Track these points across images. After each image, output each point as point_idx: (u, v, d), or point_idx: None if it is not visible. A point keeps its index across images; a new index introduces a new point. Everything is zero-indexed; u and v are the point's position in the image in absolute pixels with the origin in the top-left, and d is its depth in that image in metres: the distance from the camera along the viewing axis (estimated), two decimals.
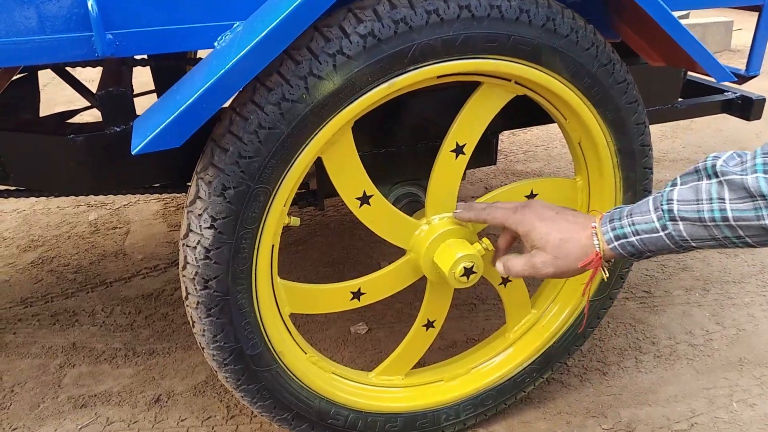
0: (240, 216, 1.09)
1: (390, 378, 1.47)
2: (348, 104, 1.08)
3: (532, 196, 1.40)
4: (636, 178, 1.40)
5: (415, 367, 1.51)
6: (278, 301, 1.26)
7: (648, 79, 1.60)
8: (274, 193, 1.10)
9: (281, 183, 1.10)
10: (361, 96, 1.08)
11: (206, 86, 0.95)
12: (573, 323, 1.55)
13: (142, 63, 1.54)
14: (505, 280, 1.48)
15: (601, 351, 1.87)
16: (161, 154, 1.13)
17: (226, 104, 1.02)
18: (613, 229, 0.99)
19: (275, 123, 1.04)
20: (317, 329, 2.00)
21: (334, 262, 2.34)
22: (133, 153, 0.95)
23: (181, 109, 0.95)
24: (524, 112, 1.50)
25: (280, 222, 1.18)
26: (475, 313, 2.06)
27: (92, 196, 3.13)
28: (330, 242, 2.48)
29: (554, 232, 1.04)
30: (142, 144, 0.95)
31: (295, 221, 1.23)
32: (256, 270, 1.16)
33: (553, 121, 1.56)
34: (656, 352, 1.87)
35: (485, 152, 1.52)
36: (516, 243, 1.20)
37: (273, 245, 1.20)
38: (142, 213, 2.89)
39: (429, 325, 1.45)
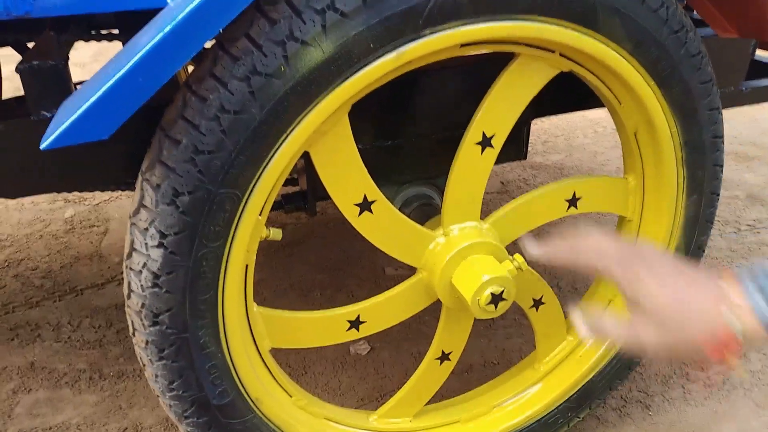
0: (199, 230, 0.82)
1: (396, 421, 1.21)
2: (343, 81, 0.80)
3: (574, 199, 1.12)
4: (704, 177, 1.12)
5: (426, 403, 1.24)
6: (255, 334, 0.99)
7: (712, 55, 1.31)
8: (245, 200, 0.83)
9: (254, 186, 0.83)
10: (360, 70, 0.80)
11: (143, 52, 0.68)
12: (616, 354, 1.27)
13: (94, 35, 1.27)
14: (537, 303, 1.21)
15: (642, 379, 1.60)
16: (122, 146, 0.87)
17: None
18: (762, 290, 0.68)
19: (244, 105, 0.77)
20: (309, 350, 1.73)
21: (333, 267, 2.08)
22: (41, 148, 0.68)
23: (108, 86, 0.67)
24: (561, 94, 1.22)
25: (256, 236, 0.91)
26: (493, 330, 1.79)
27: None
28: (328, 244, 2.21)
29: (669, 291, 0.75)
30: (52, 137, 0.67)
31: (276, 234, 0.95)
32: (223, 299, 0.89)
33: (597, 106, 1.28)
34: (706, 380, 1.59)
35: (514, 144, 1.24)
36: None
37: (247, 266, 0.93)
38: (123, 210, 2.62)
39: (444, 357, 1.18)
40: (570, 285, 1.96)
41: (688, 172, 1.10)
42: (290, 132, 0.81)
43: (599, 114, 3.48)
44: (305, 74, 0.78)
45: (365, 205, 0.96)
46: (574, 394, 1.29)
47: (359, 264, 2.08)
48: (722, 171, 1.14)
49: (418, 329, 1.77)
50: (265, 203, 0.88)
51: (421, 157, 1.19)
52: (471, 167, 1.00)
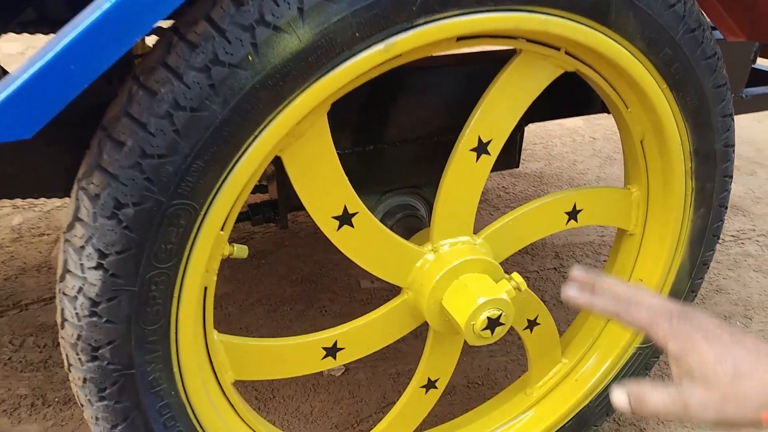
0: (146, 249, 0.68)
1: None
2: (322, 75, 0.68)
3: (574, 211, 1.02)
4: (713, 189, 1.03)
5: None
6: (216, 366, 0.86)
7: None
8: (203, 213, 0.70)
9: (215, 197, 0.70)
10: (342, 62, 0.68)
11: (76, 33, 0.54)
12: (616, 377, 1.18)
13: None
14: (531, 324, 1.10)
15: None
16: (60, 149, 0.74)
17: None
18: None
19: (203, 101, 0.64)
20: None
21: (304, 279, 1.94)
22: None
23: (30, 74, 0.54)
24: (558, 98, 1.13)
25: (217, 254, 0.78)
26: (476, 349, 1.68)
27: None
28: (300, 255, 2.07)
29: (728, 361, 0.68)
30: None
31: (241, 252, 0.82)
32: (176, 328, 0.76)
33: (595, 111, 1.19)
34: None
35: (506, 151, 1.12)
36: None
37: (206, 288, 0.80)
38: None
39: (430, 385, 1.06)
40: (554, 298, 1.87)
41: (696, 183, 1.01)
42: (259, 133, 0.68)
43: (576, 122, 3.43)
44: (278, 65, 0.65)
45: (345, 218, 0.84)
46: (569, 422, 1.19)
47: (332, 276, 1.95)
48: (731, 182, 1.05)
49: (396, 348, 1.65)
50: (227, 216, 0.75)
51: (404, 164, 1.07)
52: (465, 176, 0.89)
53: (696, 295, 1.17)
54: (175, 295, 0.74)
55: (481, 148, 0.88)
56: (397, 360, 1.60)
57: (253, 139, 0.68)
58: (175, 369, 0.78)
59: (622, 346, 1.16)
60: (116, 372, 0.74)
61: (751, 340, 0.69)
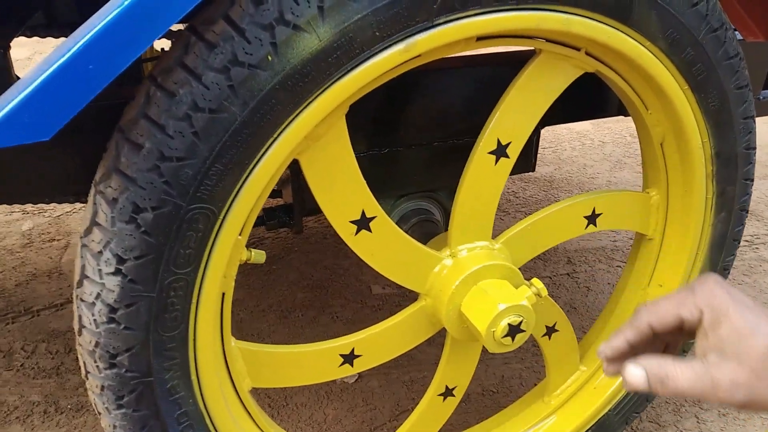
0: (165, 254, 0.67)
1: None
2: (342, 75, 0.67)
3: (594, 215, 1.01)
4: (734, 193, 1.02)
5: None
6: (233, 373, 0.84)
7: None
8: (221, 217, 0.69)
9: (233, 201, 0.69)
10: (362, 62, 0.67)
11: (95, 32, 0.53)
12: None
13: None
14: (550, 331, 1.08)
15: (652, 407, 1.48)
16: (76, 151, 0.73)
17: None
18: None
19: (222, 102, 0.63)
20: None
21: (315, 285, 1.93)
22: None
23: (48, 74, 0.53)
24: (574, 100, 1.11)
25: (235, 259, 0.77)
26: (490, 356, 1.66)
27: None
28: (310, 260, 2.06)
29: (761, 334, 0.59)
30: None
31: (259, 257, 0.81)
32: (195, 335, 0.75)
33: (611, 114, 1.18)
34: (721, 408, 1.48)
35: (522, 154, 1.11)
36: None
37: (223, 294, 0.79)
38: None
39: (447, 393, 1.04)
40: (568, 305, 1.85)
41: (717, 187, 1.00)
42: (278, 136, 0.67)
43: (585, 126, 3.41)
44: (297, 66, 0.64)
45: (363, 223, 0.83)
46: (588, 430, 1.16)
47: (344, 282, 1.94)
48: (752, 185, 1.03)
49: (410, 354, 1.62)
50: (246, 221, 0.73)
51: (419, 168, 1.06)
52: (483, 179, 0.88)
53: None
54: (194, 301, 0.73)
55: (500, 151, 0.87)
56: (411, 367, 1.58)
57: (273, 142, 0.67)
58: (193, 376, 0.77)
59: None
60: (134, 380, 0.73)
61: None
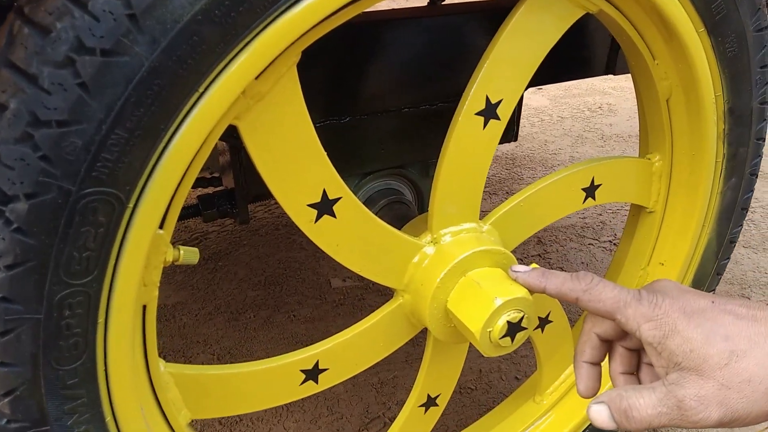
0: (51, 260, 0.48)
1: None
2: (291, 4, 0.49)
3: (593, 187, 0.86)
4: (746, 155, 0.89)
5: None
6: (165, 406, 0.66)
7: None
8: (132, 206, 0.50)
9: (147, 183, 0.50)
10: None
11: None
12: None
13: None
14: (543, 322, 0.94)
15: None
16: None
17: None
18: None
19: (119, 40, 0.44)
20: None
21: (268, 282, 1.74)
22: None
23: None
24: (558, 58, 0.97)
25: (157, 261, 0.58)
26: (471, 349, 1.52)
27: None
28: (261, 254, 1.87)
29: (717, 339, 0.53)
30: None
31: (190, 255, 0.62)
32: (107, 365, 0.56)
33: (597, 73, 1.04)
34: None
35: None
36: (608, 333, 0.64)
37: (145, 306, 0.60)
38: None
39: (430, 403, 0.89)
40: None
41: (729, 149, 0.87)
42: (204, 90, 0.49)
43: (542, 102, 3.32)
44: None
45: (325, 206, 0.65)
46: (587, 429, 1.03)
47: (299, 277, 1.76)
48: (764, 145, 0.91)
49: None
50: (168, 210, 0.55)
51: (387, 140, 0.90)
52: (471, 147, 0.71)
53: (721, 278, 1.04)
54: (101, 320, 0.54)
55: (490, 111, 0.71)
56: (380, 367, 1.42)
57: (198, 99, 0.49)
58: (109, 418, 0.58)
59: None
60: (22, 430, 0.53)
61: (741, 306, 0.54)
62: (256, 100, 0.56)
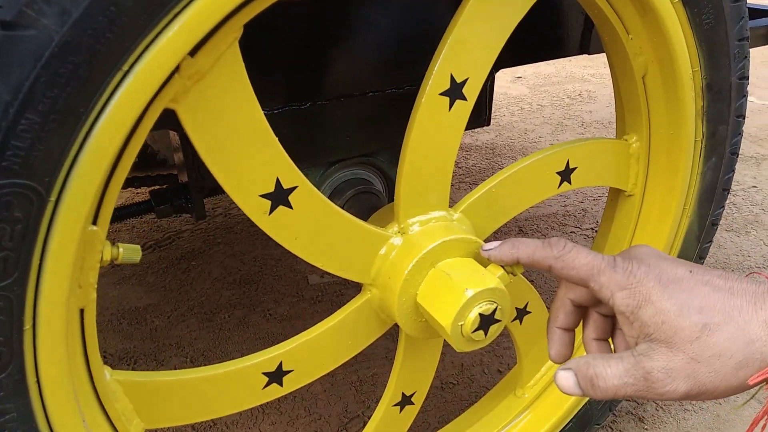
0: None
1: None
2: None
3: (568, 170, 0.83)
4: (726, 133, 0.86)
5: None
6: (113, 417, 0.61)
7: None
8: (54, 199, 0.45)
9: (70, 173, 0.45)
10: None
11: None
12: None
13: None
14: (521, 313, 0.90)
15: None
16: None
17: None
18: None
19: (22, 10, 0.39)
20: None
21: (242, 280, 1.69)
22: None
23: None
24: (530, 38, 0.93)
25: (92, 260, 0.53)
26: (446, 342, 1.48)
27: None
28: (236, 252, 1.82)
29: (692, 310, 0.51)
30: None
31: (131, 253, 0.57)
32: (38, 376, 0.51)
33: (571, 53, 1.00)
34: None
35: (474, 104, 0.92)
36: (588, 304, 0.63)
37: (83, 310, 0.55)
38: None
39: (405, 402, 0.84)
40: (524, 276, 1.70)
41: (708, 126, 0.84)
42: (129, 69, 0.44)
43: (521, 90, 3.29)
44: None
45: (279, 196, 0.61)
46: (569, 423, 1.00)
47: (275, 274, 1.71)
48: (744, 123, 0.88)
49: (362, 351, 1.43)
50: (100, 203, 0.50)
51: (352, 126, 0.85)
52: (436, 130, 0.67)
53: (703, 263, 1.01)
54: (27, 327, 0.49)
55: (455, 91, 0.66)
56: (358, 365, 1.38)
57: (122, 78, 0.44)
58: None
59: None
60: None
61: (719, 277, 0.53)
62: (194, 81, 0.51)
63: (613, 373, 0.52)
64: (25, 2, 0.39)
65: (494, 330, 0.68)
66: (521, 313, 0.90)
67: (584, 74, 3.48)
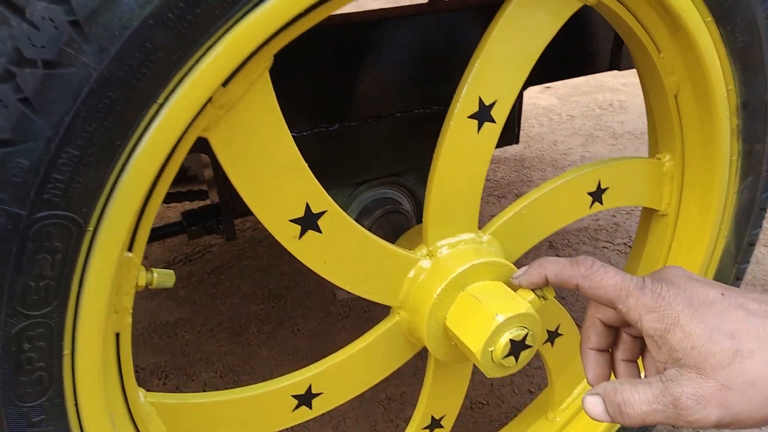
0: (4, 290, 0.44)
1: None
2: (254, 4, 0.45)
3: (599, 191, 0.81)
4: (763, 152, 0.84)
5: None
6: None
7: None
8: (92, 229, 0.46)
9: (107, 204, 0.46)
10: None
11: None
12: None
13: None
14: (553, 336, 0.89)
15: None
16: None
17: None
18: None
19: (62, 49, 0.40)
20: None
21: (271, 295, 1.70)
22: None
23: None
24: (559, 53, 0.92)
25: (128, 286, 0.54)
26: None
27: None
28: (264, 267, 1.83)
29: (723, 335, 0.49)
30: None
31: (165, 279, 0.58)
32: (76, 400, 0.52)
33: (601, 69, 0.99)
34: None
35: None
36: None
37: (118, 334, 0.56)
38: None
39: (435, 425, 0.84)
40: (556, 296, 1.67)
41: (743, 145, 0.81)
42: (164, 101, 0.45)
43: (551, 101, 3.26)
44: None
45: (309, 221, 0.61)
46: None
47: (303, 289, 1.72)
48: None
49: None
50: (135, 231, 0.51)
51: (380, 147, 0.85)
52: (464, 153, 0.67)
53: (740, 284, 0.98)
54: (66, 352, 0.50)
55: (484, 114, 0.66)
56: (387, 382, 1.36)
57: (157, 111, 0.45)
58: None
59: None
60: None
61: (753, 301, 0.51)
62: (225, 110, 0.52)
63: (641, 399, 0.51)
64: (66, 41, 0.40)
65: (525, 356, 0.67)
66: (552, 336, 0.89)
67: (615, 84, 3.43)
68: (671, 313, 0.51)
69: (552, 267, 0.61)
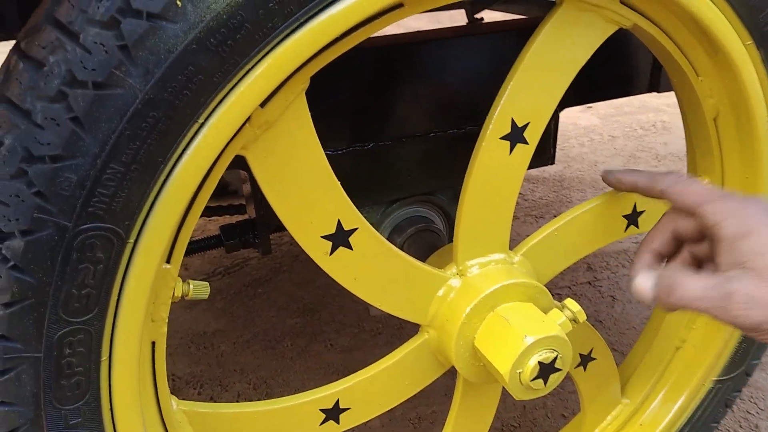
0: (49, 298, 0.47)
1: None
2: (292, 28, 0.47)
3: (635, 214, 0.80)
4: None
5: None
6: None
7: None
8: (133, 241, 0.49)
9: (148, 217, 0.48)
10: (322, 10, 0.47)
11: None
12: (690, 419, 0.94)
13: None
14: (585, 360, 0.87)
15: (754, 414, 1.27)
16: None
17: None
18: None
19: (111, 72, 0.43)
20: None
21: (306, 309, 1.72)
22: None
23: None
24: (596, 75, 0.92)
25: (164, 296, 0.56)
26: None
27: None
28: (300, 281, 1.86)
29: None
30: None
31: (201, 290, 0.60)
32: (112, 405, 0.54)
33: (640, 91, 0.98)
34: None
35: (539, 142, 0.91)
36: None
37: (154, 342, 0.58)
38: None
39: None
40: (593, 317, 1.64)
41: None
42: (204, 121, 0.47)
43: (592, 121, 3.21)
44: (222, 15, 0.44)
45: (340, 238, 0.63)
46: None
47: (338, 304, 1.73)
48: None
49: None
50: (174, 244, 0.53)
51: (413, 166, 0.86)
52: (496, 173, 0.67)
53: None
54: (104, 358, 0.52)
55: (516, 135, 0.66)
56: (417, 401, 1.36)
57: (197, 130, 0.47)
58: None
59: (695, 381, 0.93)
60: None
61: None
62: (263, 130, 0.54)
63: (696, 285, 0.54)
64: (115, 64, 0.42)
65: (554, 379, 0.66)
66: (585, 360, 0.87)
67: (658, 104, 3.37)
68: (751, 222, 0.54)
69: (641, 174, 0.66)
